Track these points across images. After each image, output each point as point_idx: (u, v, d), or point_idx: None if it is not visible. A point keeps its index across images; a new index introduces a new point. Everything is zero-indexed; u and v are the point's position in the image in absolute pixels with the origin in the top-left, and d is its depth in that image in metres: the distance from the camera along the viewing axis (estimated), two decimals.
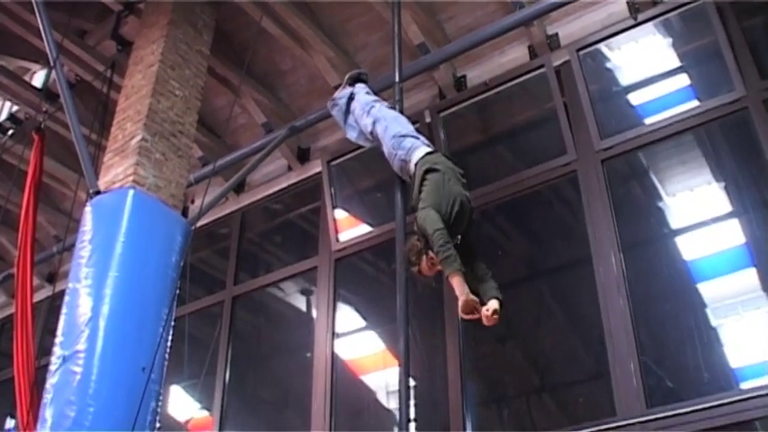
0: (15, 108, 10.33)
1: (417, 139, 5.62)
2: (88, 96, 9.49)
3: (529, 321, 7.40)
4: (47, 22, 7.53)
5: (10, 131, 10.32)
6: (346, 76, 6.44)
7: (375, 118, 5.84)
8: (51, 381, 5.68)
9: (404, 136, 5.58)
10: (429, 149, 5.54)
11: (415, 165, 5.45)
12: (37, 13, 7.59)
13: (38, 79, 10.30)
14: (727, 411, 5.59)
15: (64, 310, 6.01)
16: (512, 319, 7.47)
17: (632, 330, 6.30)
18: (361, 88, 6.24)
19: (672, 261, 6.79)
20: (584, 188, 7.12)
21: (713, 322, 6.33)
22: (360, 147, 8.60)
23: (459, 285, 4.93)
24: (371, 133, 5.89)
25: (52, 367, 5.74)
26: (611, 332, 6.40)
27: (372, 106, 5.96)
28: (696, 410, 5.71)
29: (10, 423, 11.02)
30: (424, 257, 5.25)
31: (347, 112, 6.19)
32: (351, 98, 6.20)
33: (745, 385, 5.84)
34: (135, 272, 6.10)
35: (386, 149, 5.69)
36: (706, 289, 6.54)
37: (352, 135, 6.23)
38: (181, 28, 7.75)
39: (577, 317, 7.24)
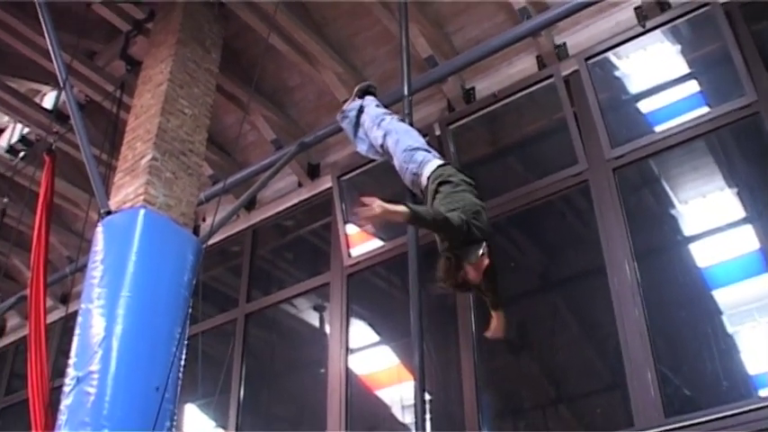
0: (26, 130, 10.36)
1: (429, 152, 5.55)
2: (98, 117, 9.52)
3: (543, 333, 7.37)
4: (56, 44, 7.56)
5: (21, 153, 10.36)
6: (355, 89, 6.41)
7: (386, 131, 5.79)
8: (65, 402, 5.66)
9: (415, 149, 5.53)
10: (440, 162, 5.47)
11: (428, 178, 5.38)
12: (46, 35, 7.62)
13: (48, 101, 10.34)
14: (747, 420, 5.52)
15: (77, 330, 5.99)
16: (526, 330, 7.46)
17: (648, 339, 6.24)
18: (370, 101, 6.19)
19: (686, 268, 6.74)
20: (596, 197, 7.08)
21: (729, 329, 6.27)
22: (370, 161, 8.63)
23: None
24: (382, 146, 5.83)
25: (66, 388, 5.72)
26: (626, 341, 6.35)
27: (383, 119, 5.90)
28: (715, 419, 5.64)
29: None
30: (463, 268, 4.93)
31: (357, 125, 6.14)
32: (360, 111, 6.15)
33: (763, 393, 5.78)
34: (147, 291, 6.08)
35: (397, 163, 5.64)
36: (721, 296, 6.49)
37: (362, 148, 6.18)
38: (189, 46, 7.78)
39: (592, 327, 7.20)
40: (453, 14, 8.37)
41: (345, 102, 8.12)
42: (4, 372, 12.72)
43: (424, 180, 5.41)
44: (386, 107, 6.17)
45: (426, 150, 5.55)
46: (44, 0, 7.74)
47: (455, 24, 8.41)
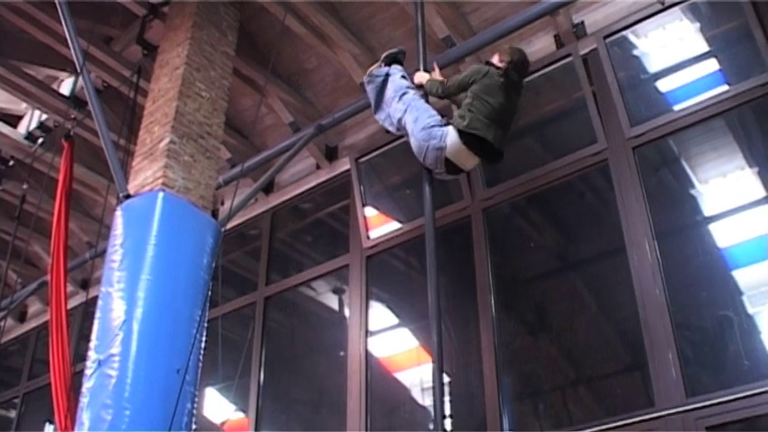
0: (44, 116, 10.41)
1: (444, 126, 5.58)
2: (116, 102, 9.55)
3: (563, 314, 7.33)
4: (73, 30, 7.57)
5: (40, 140, 10.41)
6: (383, 55, 6.34)
7: (407, 105, 5.77)
8: (87, 385, 5.70)
9: (432, 127, 5.53)
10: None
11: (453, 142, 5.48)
12: (63, 21, 7.63)
13: (66, 87, 10.36)
14: None
15: (97, 314, 6.03)
16: (546, 311, 7.44)
17: (669, 319, 6.21)
18: (397, 70, 6.15)
19: (706, 248, 6.68)
20: (615, 177, 7.04)
21: (750, 310, 6.22)
22: (388, 143, 8.62)
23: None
24: (399, 120, 5.82)
25: (88, 371, 5.76)
26: (647, 322, 6.32)
27: (405, 92, 5.88)
28: (737, 398, 5.61)
29: (49, 429, 11.13)
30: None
31: (381, 92, 6.11)
32: (386, 79, 6.11)
33: None
34: (167, 274, 6.11)
35: (414, 141, 5.62)
36: (742, 276, 6.42)
37: (380, 116, 6.16)
38: (205, 30, 7.78)
39: (612, 307, 7.16)
40: None
41: (362, 85, 8.17)
42: (26, 357, 12.83)
43: (448, 147, 5.48)
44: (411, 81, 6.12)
45: (442, 125, 5.55)
46: None
47: (472, 4, 8.35)
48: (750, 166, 6.74)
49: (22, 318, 13.30)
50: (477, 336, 7.34)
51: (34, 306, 13.03)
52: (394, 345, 8.37)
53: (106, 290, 6.06)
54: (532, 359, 7.37)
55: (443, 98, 5.96)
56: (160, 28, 8.57)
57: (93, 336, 5.93)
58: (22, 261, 11.69)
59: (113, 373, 5.58)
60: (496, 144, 5.51)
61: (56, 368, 6.78)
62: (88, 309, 9.46)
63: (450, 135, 5.45)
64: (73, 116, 8.99)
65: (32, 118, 10.80)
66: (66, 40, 7.73)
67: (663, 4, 7.20)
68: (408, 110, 5.73)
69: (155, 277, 6.01)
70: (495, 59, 5.81)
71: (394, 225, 8.62)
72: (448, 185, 7.82)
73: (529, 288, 7.79)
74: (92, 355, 5.83)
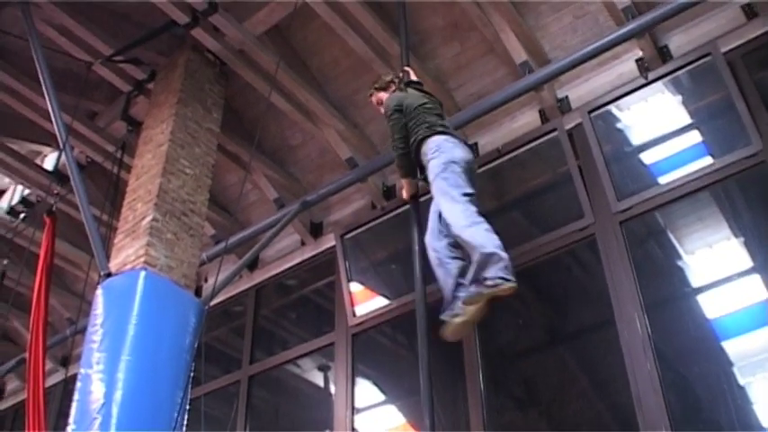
0: (27, 191, 10.35)
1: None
2: (100, 177, 9.51)
3: (553, 388, 7.24)
4: (56, 105, 7.57)
5: (22, 215, 10.32)
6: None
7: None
8: None
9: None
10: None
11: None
12: (46, 97, 7.63)
13: (49, 162, 10.34)
14: None
15: (76, 396, 5.89)
16: (535, 386, 7.33)
17: (661, 393, 6.10)
18: None
19: (696, 320, 6.63)
20: (603, 251, 7.00)
21: (741, 381, 6.15)
22: (373, 219, 8.61)
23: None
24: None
25: None
26: (639, 396, 6.20)
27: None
28: None
29: None
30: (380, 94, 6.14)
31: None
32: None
33: None
34: (148, 356, 5.98)
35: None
36: (731, 347, 6.36)
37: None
38: (190, 106, 7.78)
39: (603, 382, 7.06)
40: (454, 70, 8.39)
41: (349, 159, 8.21)
42: None
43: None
44: None
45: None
46: (44, 61, 7.76)
47: (456, 80, 8.42)
48: (736, 237, 6.74)
49: None
50: (466, 413, 7.22)
51: (13, 383, 12.78)
52: (381, 422, 8.20)
53: (85, 371, 5.94)
54: None
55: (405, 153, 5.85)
56: (145, 104, 8.59)
57: (71, 419, 5.79)
58: (0, 337, 11.50)
59: None
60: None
61: None
62: (68, 387, 9.26)
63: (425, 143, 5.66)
64: (56, 191, 8.92)
65: (15, 192, 10.74)
66: (49, 114, 7.72)
67: (647, 78, 7.28)
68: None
69: (135, 358, 5.89)
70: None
71: (380, 301, 8.53)
72: None
73: (517, 363, 7.69)
74: None
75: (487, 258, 4.83)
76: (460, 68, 8.35)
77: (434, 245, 5.31)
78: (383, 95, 6.19)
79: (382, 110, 6.11)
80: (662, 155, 7.29)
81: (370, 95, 6.37)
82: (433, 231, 5.36)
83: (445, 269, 5.21)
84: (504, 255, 4.86)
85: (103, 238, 7.20)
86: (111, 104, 9.26)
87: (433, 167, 5.39)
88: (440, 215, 5.30)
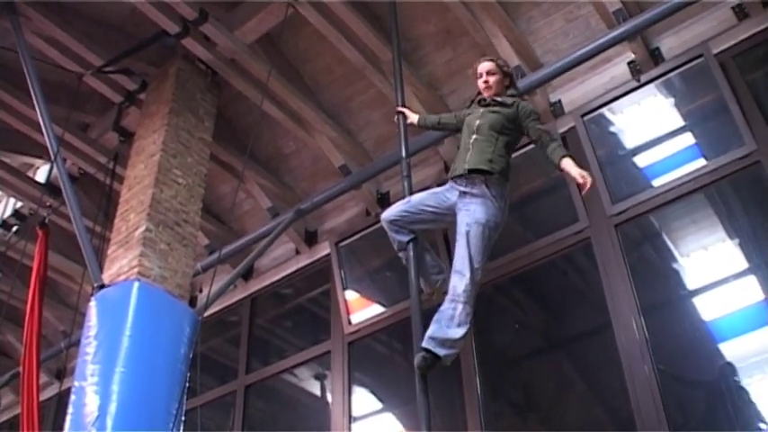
0: (19, 204, 10.30)
1: None
2: (92, 188, 9.48)
3: (550, 393, 7.22)
4: (47, 117, 7.54)
5: (14, 228, 10.27)
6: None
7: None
8: None
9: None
10: None
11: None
12: (37, 109, 7.59)
13: (41, 174, 10.30)
14: None
15: (70, 409, 5.83)
16: (532, 391, 7.30)
17: (659, 395, 6.09)
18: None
19: (692, 322, 6.62)
20: (598, 254, 6.99)
21: (738, 382, 6.11)
22: (367, 227, 8.58)
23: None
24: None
25: None
26: (637, 399, 6.19)
27: None
28: None
29: None
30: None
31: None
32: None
33: None
34: (142, 367, 5.93)
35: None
36: (728, 348, 6.34)
37: None
38: (182, 116, 7.75)
39: (600, 385, 7.05)
40: (447, 76, 8.38)
41: (342, 167, 8.16)
42: None
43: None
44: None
45: None
46: (35, 73, 7.73)
47: (449, 86, 8.41)
48: (731, 238, 6.74)
49: None
50: (464, 419, 7.19)
51: (7, 398, 12.70)
52: (378, 430, 8.18)
53: (79, 384, 5.88)
54: None
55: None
56: (136, 115, 8.56)
57: None
58: None
59: None
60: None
61: None
62: (62, 400, 9.21)
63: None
64: (48, 204, 8.90)
65: (7, 205, 10.69)
66: (41, 126, 7.68)
67: (639, 80, 7.28)
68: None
69: (129, 370, 5.84)
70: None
71: (376, 309, 8.52)
72: None
73: (514, 368, 7.67)
74: None
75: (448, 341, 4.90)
76: (453, 74, 8.34)
77: (394, 217, 5.40)
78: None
79: (494, 88, 5.92)
80: (656, 157, 7.29)
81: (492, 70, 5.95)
82: (405, 213, 5.42)
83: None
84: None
85: (96, 249, 7.15)
86: (102, 116, 9.24)
87: (491, 214, 5.33)
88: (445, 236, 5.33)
